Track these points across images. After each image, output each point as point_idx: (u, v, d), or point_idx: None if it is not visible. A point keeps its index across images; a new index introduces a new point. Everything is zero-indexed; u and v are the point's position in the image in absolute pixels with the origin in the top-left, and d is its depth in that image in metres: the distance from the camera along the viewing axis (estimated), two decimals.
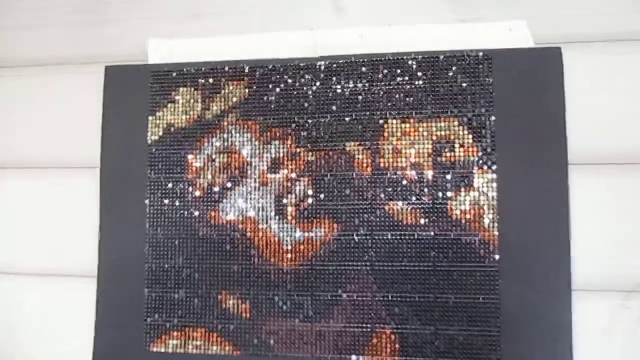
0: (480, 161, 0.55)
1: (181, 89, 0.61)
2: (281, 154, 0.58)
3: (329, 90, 0.58)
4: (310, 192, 0.57)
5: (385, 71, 0.57)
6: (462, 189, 0.55)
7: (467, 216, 0.54)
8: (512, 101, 0.55)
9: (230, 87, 0.60)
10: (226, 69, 0.60)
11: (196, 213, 0.59)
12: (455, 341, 0.53)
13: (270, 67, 0.59)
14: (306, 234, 0.57)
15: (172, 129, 0.60)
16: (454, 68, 0.56)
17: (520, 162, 0.54)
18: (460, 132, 0.55)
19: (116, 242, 0.60)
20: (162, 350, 0.58)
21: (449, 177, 0.55)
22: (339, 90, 0.58)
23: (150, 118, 0.61)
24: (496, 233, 0.53)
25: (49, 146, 0.64)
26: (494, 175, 0.54)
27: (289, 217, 0.57)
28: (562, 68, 0.54)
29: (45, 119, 0.64)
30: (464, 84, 0.56)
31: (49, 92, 0.65)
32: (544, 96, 0.54)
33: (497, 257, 0.53)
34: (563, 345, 0.51)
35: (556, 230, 0.53)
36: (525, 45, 0.56)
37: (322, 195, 0.57)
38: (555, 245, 0.53)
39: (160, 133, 0.61)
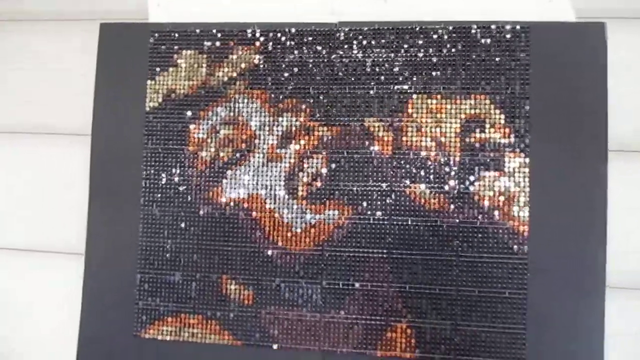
0: (513, 144, 0.50)
1: (184, 51, 0.55)
2: (293, 128, 0.53)
3: (348, 60, 0.53)
4: (323, 170, 0.52)
5: (411, 41, 0.52)
6: (492, 174, 0.50)
7: (496, 203, 0.50)
8: (549, 79, 0.50)
9: (239, 52, 0.54)
10: (235, 31, 0.54)
11: (197, 189, 0.53)
12: (477, 338, 0.49)
13: (284, 31, 0.54)
14: (318, 216, 0.52)
15: (173, 95, 0.55)
16: (487, 41, 0.51)
17: (555, 147, 0.49)
18: (492, 112, 0.50)
19: (107, 217, 0.54)
20: (154, 337, 0.53)
21: (477, 159, 0.50)
22: (359, 61, 0.52)
23: (149, 83, 0.55)
24: (526, 223, 0.49)
25: (34, 111, 0.58)
26: (527, 160, 0.49)
27: (300, 197, 0.52)
28: (606, 45, 0.50)
29: (31, 81, 0.58)
30: (497, 59, 0.51)
31: (35, 51, 0.58)
32: (584, 75, 0.50)
33: (526, 248, 0.49)
34: (593, 346, 0.47)
35: (592, 222, 0.48)
36: (565, 19, 0.51)
37: (336, 175, 0.52)
38: (591, 238, 0.48)
39: (160, 100, 0.55)
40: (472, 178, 0.50)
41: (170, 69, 0.55)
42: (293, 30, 0.54)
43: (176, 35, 0.55)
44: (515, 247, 0.49)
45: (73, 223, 0.56)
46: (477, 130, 0.50)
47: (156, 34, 0.55)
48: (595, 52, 0.50)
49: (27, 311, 0.57)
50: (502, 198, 0.50)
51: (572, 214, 0.49)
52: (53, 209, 0.57)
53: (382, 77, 0.52)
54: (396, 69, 0.52)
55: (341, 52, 0.53)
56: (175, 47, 0.55)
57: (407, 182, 0.51)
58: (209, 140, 0.54)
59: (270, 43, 0.54)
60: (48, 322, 0.56)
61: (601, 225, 0.48)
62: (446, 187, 0.50)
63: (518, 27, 0.51)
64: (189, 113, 0.54)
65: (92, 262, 0.54)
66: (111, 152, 0.55)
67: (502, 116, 0.50)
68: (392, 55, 0.52)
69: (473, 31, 0.51)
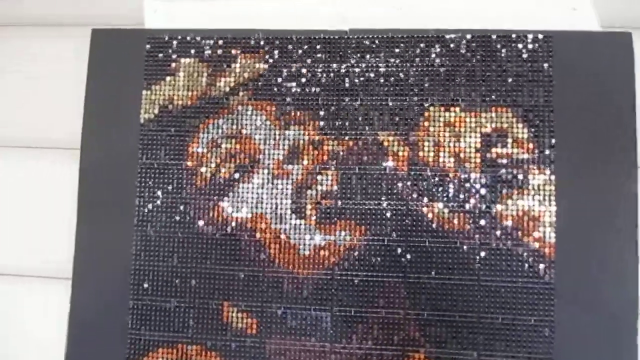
0: (537, 159, 0.47)
1: (183, 60, 0.51)
2: (301, 142, 0.49)
3: (359, 70, 0.49)
4: (334, 188, 0.48)
5: (427, 50, 0.49)
6: (515, 192, 0.47)
7: (520, 223, 0.46)
8: (573, 91, 0.47)
9: (242, 61, 0.51)
10: (238, 39, 0.51)
11: (196, 208, 0.49)
12: None
13: (291, 39, 0.50)
14: (328, 238, 0.48)
15: (171, 106, 0.51)
16: (507, 50, 0.48)
17: (582, 163, 0.46)
18: (514, 125, 0.47)
19: (97, 239, 0.50)
20: None
21: (499, 176, 0.47)
22: (371, 70, 0.49)
23: (144, 93, 0.51)
24: (553, 245, 0.46)
25: (19, 122, 0.54)
26: (552, 177, 0.46)
27: (308, 217, 0.48)
28: (633, 56, 0.47)
29: (17, 89, 0.54)
30: (519, 69, 0.48)
31: (22, 58, 0.54)
32: (610, 87, 0.47)
33: (553, 272, 0.45)
34: None
35: (622, 243, 0.45)
36: (590, 28, 0.48)
37: (347, 193, 0.48)
38: (621, 261, 0.45)
39: (156, 111, 0.51)
40: (493, 196, 0.47)
41: (168, 78, 0.51)
42: (301, 37, 0.50)
43: (174, 42, 0.51)
44: (540, 271, 0.46)
45: (59, 245, 0.51)
46: (499, 145, 0.47)
47: (153, 41, 0.51)
48: (622, 62, 0.47)
49: (3, 344, 0.51)
50: (526, 218, 0.46)
51: (601, 235, 0.45)
52: (36, 230, 0.52)
53: (397, 88, 0.49)
54: (411, 80, 0.49)
55: (352, 61, 0.49)
56: (173, 55, 0.51)
57: (424, 200, 0.47)
58: (209, 155, 0.50)
59: (277, 51, 0.50)
60: (30, 356, 0.51)
61: (632, 247, 0.45)
62: (466, 206, 0.47)
63: (541, 36, 0.48)
64: (187, 126, 0.50)
65: (79, 287, 0.50)
66: (102, 167, 0.51)
67: (525, 130, 0.47)
68: (407, 64, 0.49)
69: (493, 40, 0.48)
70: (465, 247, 0.46)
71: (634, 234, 0.45)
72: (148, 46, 0.51)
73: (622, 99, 0.47)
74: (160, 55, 0.51)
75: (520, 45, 0.48)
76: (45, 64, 0.54)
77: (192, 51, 0.51)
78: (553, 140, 0.47)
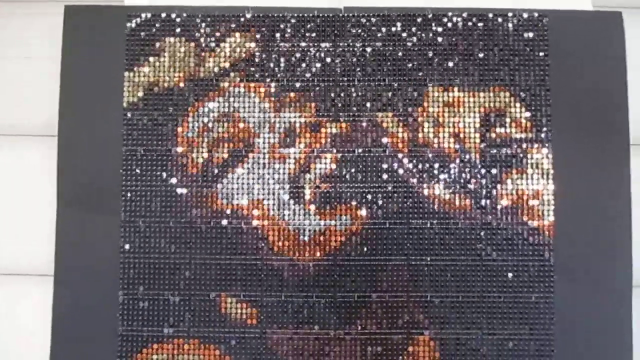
0: (535, 139, 0.47)
1: (168, 39, 0.48)
2: (298, 125, 0.47)
3: (356, 49, 0.48)
4: (333, 171, 0.47)
5: (425, 29, 0.48)
6: (514, 171, 0.47)
7: (519, 203, 0.47)
8: (568, 71, 0.47)
9: (233, 39, 0.48)
10: (228, 16, 0.48)
11: (188, 196, 0.47)
12: (504, 347, 0.46)
13: (283, 17, 0.48)
14: (327, 223, 0.47)
15: (156, 89, 0.48)
16: (504, 28, 0.48)
17: (577, 141, 0.47)
18: (512, 105, 0.47)
19: (80, 232, 0.47)
20: None
21: (499, 156, 0.47)
22: (368, 50, 0.48)
23: (126, 75, 0.48)
24: (551, 222, 0.46)
25: None
26: (550, 156, 0.47)
27: (307, 202, 0.47)
28: (624, 35, 0.48)
29: None
30: (515, 48, 0.48)
31: None
32: (602, 66, 0.48)
33: (552, 249, 0.46)
34: (623, 350, 0.45)
35: (616, 219, 0.46)
36: (582, 7, 0.49)
37: (347, 176, 0.47)
38: (616, 236, 0.46)
39: (140, 94, 0.48)
40: (493, 176, 0.47)
41: (152, 59, 0.48)
42: (294, 15, 0.48)
43: (158, 19, 0.48)
44: (540, 248, 0.46)
45: (37, 240, 0.48)
46: (498, 124, 0.47)
47: (135, 19, 0.48)
48: (613, 42, 0.48)
49: None
50: (525, 197, 0.46)
51: (597, 212, 0.46)
52: (11, 224, 0.48)
53: (395, 69, 0.47)
54: (409, 59, 0.48)
55: (349, 41, 0.48)
56: (157, 34, 0.48)
57: (425, 181, 0.47)
58: (200, 140, 0.47)
59: (268, 29, 0.48)
60: (13, 358, 0.47)
61: (626, 222, 0.46)
62: (467, 187, 0.47)
63: (536, 14, 0.48)
64: (175, 109, 0.47)
65: (63, 284, 0.46)
66: (83, 155, 0.47)
67: (523, 109, 0.47)
68: (404, 44, 0.48)
69: (489, 18, 0.48)
70: (466, 227, 0.46)
71: (628, 211, 0.46)
72: (129, 24, 0.48)
73: (614, 77, 0.47)
74: (143, 34, 0.48)
75: (515, 21, 0.48)
76: (15, 45, 0.49)
77: (178, 30, 0.48)
78: (550, 120, 0.47)
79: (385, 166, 0.47)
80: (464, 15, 0.48)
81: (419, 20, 0.48)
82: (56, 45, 0.47)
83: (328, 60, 0.48)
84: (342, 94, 0.47)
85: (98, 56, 0.48)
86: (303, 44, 0.48)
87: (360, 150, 0.47)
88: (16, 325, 0.47)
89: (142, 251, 0.46)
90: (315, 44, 0.48)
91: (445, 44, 0.48)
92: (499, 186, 0.47)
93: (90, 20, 0.48)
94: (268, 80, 0.48)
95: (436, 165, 0.47)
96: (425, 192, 0.47)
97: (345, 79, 0.47)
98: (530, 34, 0.48)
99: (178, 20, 0.48)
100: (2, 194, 0.48)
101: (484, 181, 0.47)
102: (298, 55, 0.48)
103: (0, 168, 0.48)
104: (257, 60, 0.48)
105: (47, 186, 0.47)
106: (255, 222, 0.47)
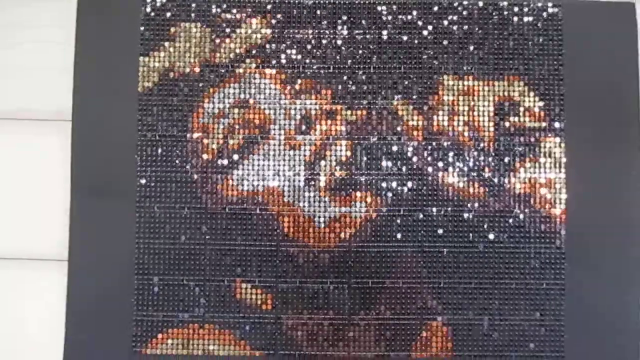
0: (548, 128, 0.47)
1: (184, 24, 0.48)
2: (313, 112, 0.47)
3: (373, 36, 0.48)
4: (348, 158, 0.47)
5: (440, 17, 0.48)
6: (527, 160, 0.47)
7: (532, 191, 0.47)
8: (582, 61, 0.48)
9: (250, 25, 0.48)
10: (244, 1, 0.48)
11: (203, 182, 0.47)
12: (515, 333, 0.46)
13: (299, 3, 0.48)
14: (342, 209, 0.47)
15: (172, 74, 0.48)
16: (518, 18, 0.48)
17: (590, 131, 0.47)
18: (526, 94, 0.48)
19: (94, 217, 0.47)
20: (158, 352, 0.46)
21: (512, 144, 0.47)
22: (384, 37, 0.48)
23: (141, 59, 0.48)
24: (563, 211, 0.47)
25: (3, 92, 0.48)
26: (563, 145, 0.47)
27: (322, 189, 0.47)
28: (636, 26, 0.48)
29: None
30: (530, 37, 0.48)
31: (4, 22, 0.49)
32: (615, 56, 0.48)
33: (563, 237, 0.47)
34: (632, 336, 0.46)
35: (627, 207, 0.47)
36: None
37: (362, 163, 0.47)
38: (626, 224, 0.47)
39: (156, 79, 0.48)
40: (507, 165, 0.47)
41: (167, 44, 0.48)
42: (311, 1, 0.48)
43: (174, 4, 0.48)
44: (552, 236, 0.47)
45: (51, 225, 0.47)
46: (512, 113, 0.47)
47: (150, 4, 0.48)
48: (626, 33, 0.48)
49: None
50: (538, 185, 0.47)
51: (609, 201, 0.47)
52: (25, 209, 0.48)
53: (411, 56, 0.48)
54: (425, 47, 0.48)
55: (363, 27, 0.48)
56: (173, 19, 0.48)
57: (440, 169, 0.47)
58: (215, 126, 0.47)
59: (284, 15, 0.48)
60: (27, 343, 0.47)
61: (637, 211, 0.47)
62: (481, 175, 0.47)
63: (550, 4, 0.48)
64: (191, 95, 0.47)
65: (77, 269, 0.46)
66: (97, 140, 0.47)
67: (537, 99, 0.48)
68: (419, 32, 0.48)
69: (504, 7, 0.48)
70: (479, 215, 0.47)
71: (639, 199, 0.47)
72: (144, 9, 0.48)
73: (626, 68, 0.48)
74: (159, 18, 0.48)
75: (529, 11, 0.48)
76: (28, 29, 0.49)
77: (193, 15, 0.48)
78: (563, 109, 0.47)
79: (400, 154, 0.47)
80: (480, 4, 0.48)
81: (435, 9, 0.48)
82: (70, 30, 0.47)
83: (344, 47, 0.48)
84: (357, 82, 0.47)
85: (113, 41, 0.48)
86: (319, 31, 0.48)
87: (375, 137, 0.47)
88: (31, 311, 0.47)
89: (157, 237, 0.47)
90: (331, 31, 0.48)
91: (460, 33, 0.48)
92: (512, 174, 0.47)
93: (105, 5, 0.48)
94: (284, 66, 0.48)
95: (450, 154, 0.47)
96: (439, 179, 0.47)
97: (361, 66, 0.48)
98: (545, 24, 0.48)
99: (193, 5, 0.48)
100: (16, 178, 0.48)
101: (497, 169, 0.47)
102: (314, 42, 0.48)
103: (14, 153, 0.48)
104: (273, 46, 0.48)
105: (60, 171, 0.47)
106: (270, 209, 0.47)
